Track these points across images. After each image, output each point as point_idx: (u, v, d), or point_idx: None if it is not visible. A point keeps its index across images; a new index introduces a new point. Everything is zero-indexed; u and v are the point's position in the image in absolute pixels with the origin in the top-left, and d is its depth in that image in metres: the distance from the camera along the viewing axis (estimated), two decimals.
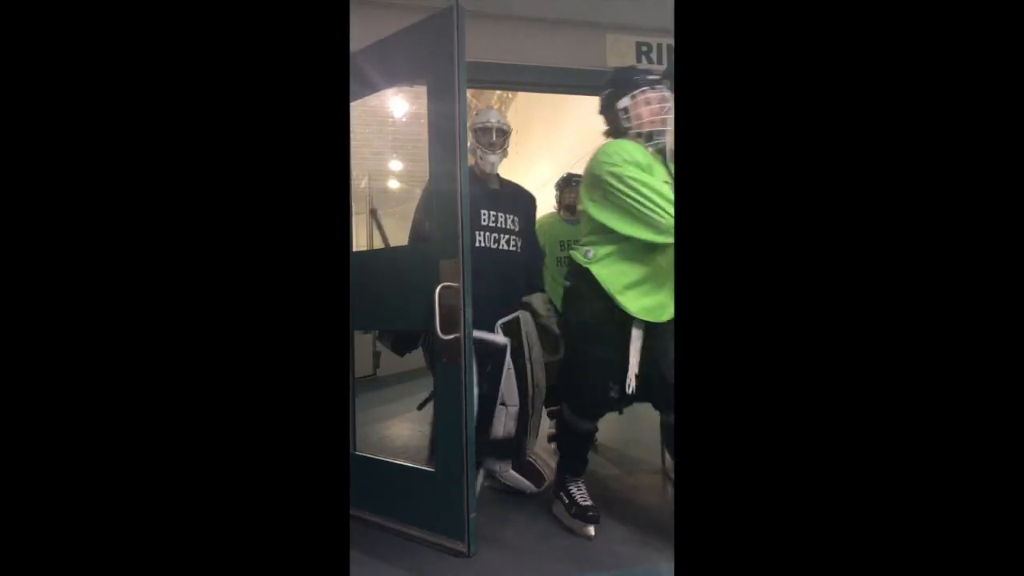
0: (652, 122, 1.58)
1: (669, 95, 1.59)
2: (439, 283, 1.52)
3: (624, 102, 1.62)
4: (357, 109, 1.92)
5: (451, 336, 1.51)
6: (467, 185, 1.53)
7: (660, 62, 2.47)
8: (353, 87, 1.82)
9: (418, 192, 2.09)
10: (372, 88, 1.83)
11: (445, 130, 1.55)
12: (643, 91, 1.60)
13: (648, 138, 1.59)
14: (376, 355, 5.03)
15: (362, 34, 1.85)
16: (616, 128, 1.67)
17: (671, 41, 2.46)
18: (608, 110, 1.67)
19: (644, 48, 2.49)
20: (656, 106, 1.58)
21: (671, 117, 1.55)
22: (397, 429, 3.21)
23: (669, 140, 1.58)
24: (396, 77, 1.78)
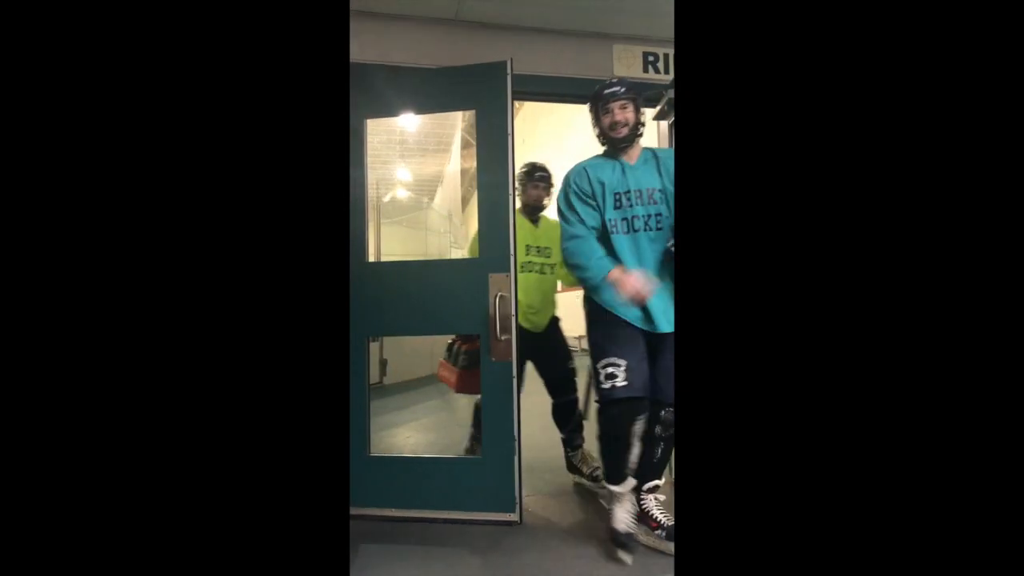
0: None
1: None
2: (490, 294, 1.88)
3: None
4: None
5: (504, 338, 1.88)
6: (512, 200, 1.80)
7: (666, 72, 2.47)
8: (418, 103, 2.16)
9: (426, 201, 2.13)
10: (429, 109, 2.30)
11: (495, 142, 1.84)
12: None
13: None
14: (383, 363, 5.03)
15: (367, 43, 1.87)
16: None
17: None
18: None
19: (651, 58, 2.49)
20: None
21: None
22: (403, 437, 3.21)
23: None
24: (450, 103, 2.15)
